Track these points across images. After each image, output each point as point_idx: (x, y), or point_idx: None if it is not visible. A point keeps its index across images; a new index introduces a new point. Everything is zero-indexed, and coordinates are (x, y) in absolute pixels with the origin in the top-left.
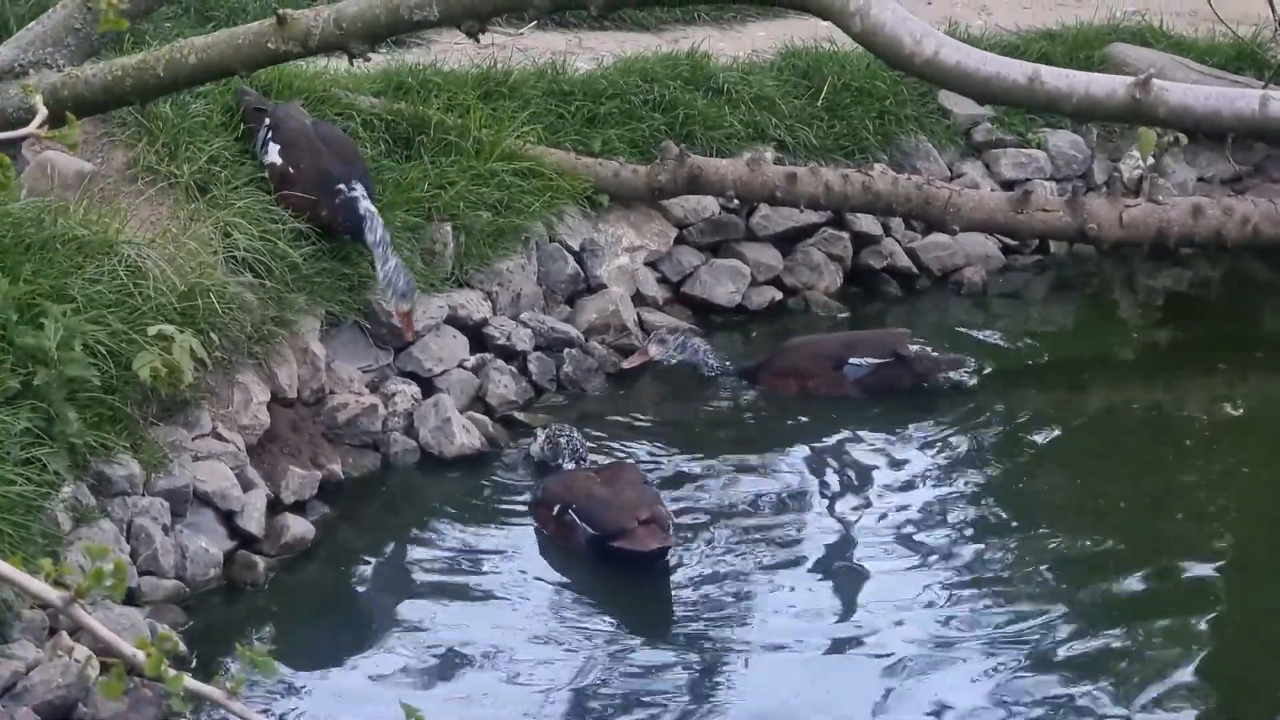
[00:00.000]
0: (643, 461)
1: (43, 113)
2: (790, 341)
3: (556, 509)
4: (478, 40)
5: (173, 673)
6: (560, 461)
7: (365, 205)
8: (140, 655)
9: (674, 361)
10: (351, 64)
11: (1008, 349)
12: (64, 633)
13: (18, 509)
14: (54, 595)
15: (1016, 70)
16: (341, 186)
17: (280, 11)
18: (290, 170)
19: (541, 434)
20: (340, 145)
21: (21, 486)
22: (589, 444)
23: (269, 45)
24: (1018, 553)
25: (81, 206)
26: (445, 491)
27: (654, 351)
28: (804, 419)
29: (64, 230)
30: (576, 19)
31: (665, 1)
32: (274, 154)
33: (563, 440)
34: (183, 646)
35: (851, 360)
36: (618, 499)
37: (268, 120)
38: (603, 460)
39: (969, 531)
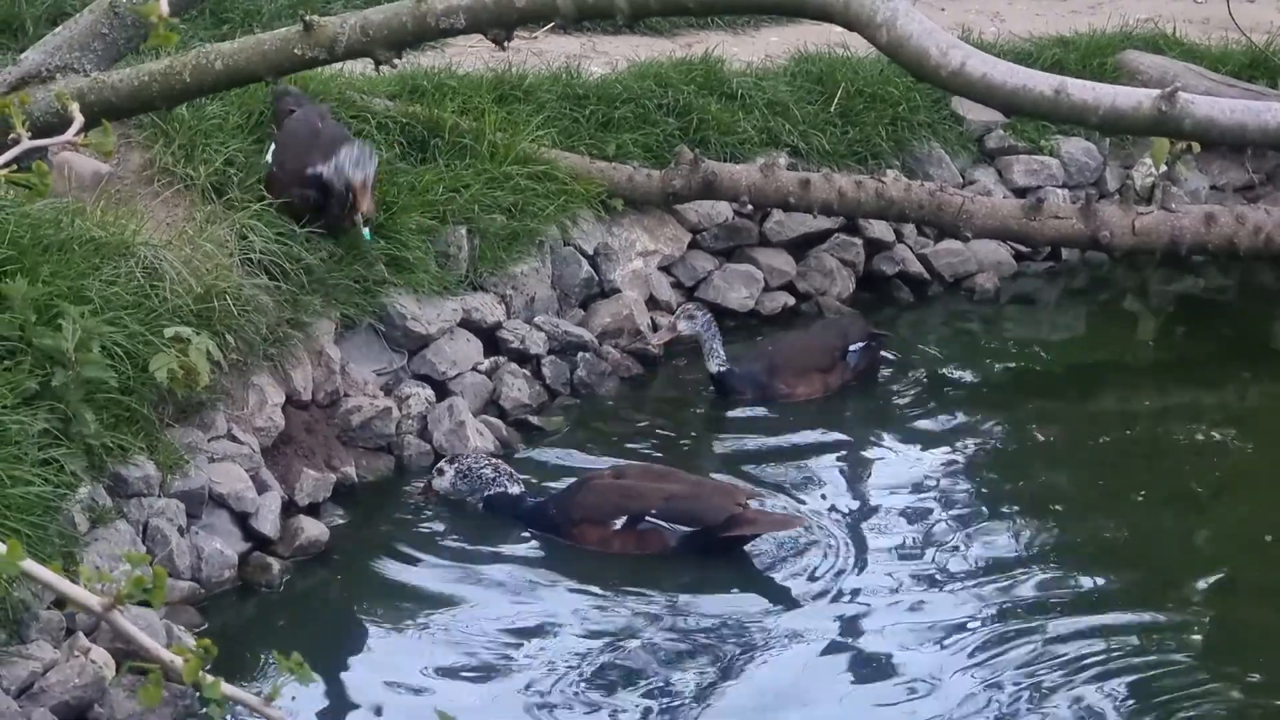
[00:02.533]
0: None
1: (79, 120)
2: (774, 343)
3: (620, 522)
4: (503, 47)
5: (210, 679)
6: (485, 492)
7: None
8: (179, 661)
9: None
10: (378, 69)
11: (1019, 355)
12: (80, 633)
13: (35, 509)
14: (94, 602)
15: (1043, 83)
16: (309, 172)
17: (308, 18)
18: (274, 169)
19: (450, 468)
20: (333, 141)
21: (39, 487)
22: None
23: (295, 51)
24: (1032, 558)
25: (98, 208)
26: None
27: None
28: (814, 419)
29: (81, 231)
30: (591, 22)
31: (692, 11)
32: (268, 153)
33: (487, 471)
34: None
35: (851, 347)
36: (703, 491)
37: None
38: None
39: (980, 534)
